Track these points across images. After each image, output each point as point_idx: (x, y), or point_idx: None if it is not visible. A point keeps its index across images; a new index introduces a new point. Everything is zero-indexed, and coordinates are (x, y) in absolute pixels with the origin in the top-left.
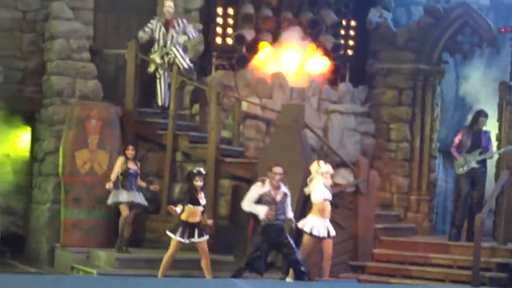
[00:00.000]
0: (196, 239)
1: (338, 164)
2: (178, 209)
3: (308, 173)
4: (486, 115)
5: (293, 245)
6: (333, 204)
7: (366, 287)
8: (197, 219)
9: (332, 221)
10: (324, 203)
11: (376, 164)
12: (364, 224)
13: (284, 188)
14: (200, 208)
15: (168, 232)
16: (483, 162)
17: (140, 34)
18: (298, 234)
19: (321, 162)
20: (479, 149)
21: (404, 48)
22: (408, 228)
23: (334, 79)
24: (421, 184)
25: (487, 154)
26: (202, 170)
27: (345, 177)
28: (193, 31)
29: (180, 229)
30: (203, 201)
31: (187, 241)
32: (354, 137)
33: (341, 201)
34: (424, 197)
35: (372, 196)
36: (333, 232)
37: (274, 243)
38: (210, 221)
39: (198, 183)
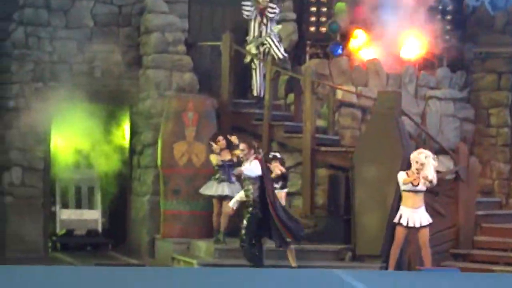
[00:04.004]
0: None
1: (437, 151)
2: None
3: (407, 161)
4: None
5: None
6: (433, 191)
7: (468, 275)
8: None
9: (433, 208)
10: (410, 194)
11: (476, 150)
12: (464, 211)
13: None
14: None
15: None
16: None
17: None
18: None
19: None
20: None
21: (502, 31)
22: (510, 214)
23: (431, 64)
24: None
25: None
26: (277, 154)
27: (445, 164)
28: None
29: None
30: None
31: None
32: (453, 123)
33: (441, 188)
34: None
35: (472, 183)
36: (425, 222)
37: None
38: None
39: (277, 170)
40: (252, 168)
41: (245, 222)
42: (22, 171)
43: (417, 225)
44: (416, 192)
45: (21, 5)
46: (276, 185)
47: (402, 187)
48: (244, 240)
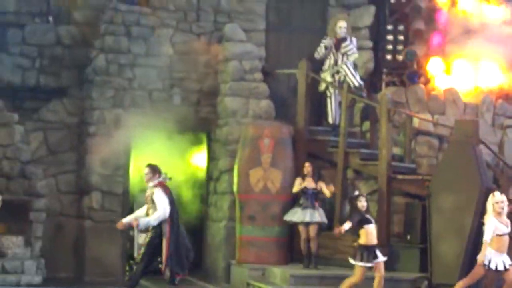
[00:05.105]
0: (373, 262)
1: None
2: (347, 225)
3: (484, 191)
4: None
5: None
6: None
7: None
8: (374, 240)
9: None
10: (499, 239)
11: None
12: None
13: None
14: (373, 226)
15: (350, 260)
16: None
17: (317, 52)
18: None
19: (496, 192)
20: None
21: None
22: None
23: (508, 93)
24: None
25: None
26: (362, 192)
27: None
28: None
29: (361, 254)
30: (372, 219)
31: (371, 264)
32: None
33: None
34: None
35: None
36: (508, 264)
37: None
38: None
39: (363, 203)
40: (157, 201)
41: (144, 248)
42: (101, 196)
43: (503, 268)
44: (508, 235)
45: (102, 32)
46: (372, 220)
47: (497, 232)
48: (139, 263)
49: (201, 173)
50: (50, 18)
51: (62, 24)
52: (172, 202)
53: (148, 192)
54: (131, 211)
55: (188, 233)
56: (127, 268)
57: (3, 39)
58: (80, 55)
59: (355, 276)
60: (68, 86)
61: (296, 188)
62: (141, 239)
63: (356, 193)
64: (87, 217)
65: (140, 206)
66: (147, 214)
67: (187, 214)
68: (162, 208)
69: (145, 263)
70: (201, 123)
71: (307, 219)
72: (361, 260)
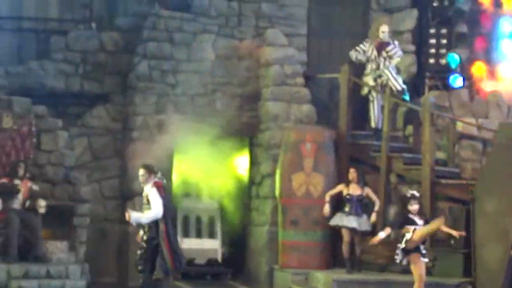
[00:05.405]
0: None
1: None
2: (383, 233)
3: None
4: None
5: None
6: None
7: None
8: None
9: None
10: None
11: None
12: None
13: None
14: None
15: (383, 234)
16: None
17: (352, 52)
18: None
19: None
20: None
21: None
22: None
23: None
24: None
25: None
26: (416, 193)
27: None
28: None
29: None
30: (421, 221)
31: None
32: None
33: None
34: None
35: None
36: None
37: None
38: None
39: (413, 206)
40: (152, 201)
41: (143, 251)
42: None
43: None
44: None
45: (145, 38)
46: (419, 222)
47: None
48: (143, 270)
49: (244, 178)
50: (93, 25)
51: (105, 31)
52: (168, 203)
53: (145, 192)
54: (174, 216)
55: (232, 238)
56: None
57: (47, 46)
58: (122, 61)
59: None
60: (111, 92)
61: (332, 192)
62: (185, 244)
63: (409, 194)
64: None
65: (183, 211)
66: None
67: (230, 218)
68: (155, 209)
69: (150, 268)
70: (243, 128)
71: (353, 225)
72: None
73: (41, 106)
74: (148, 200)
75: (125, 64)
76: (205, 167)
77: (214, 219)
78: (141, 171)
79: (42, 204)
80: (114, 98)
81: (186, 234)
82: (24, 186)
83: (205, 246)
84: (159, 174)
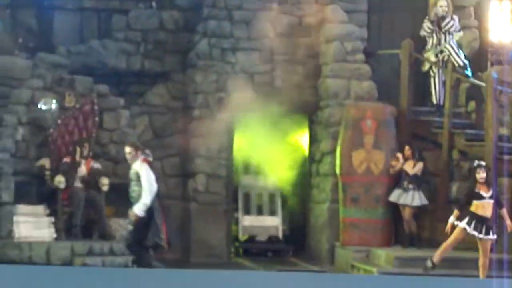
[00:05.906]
0: (482, 235)
1: None
2: (452, 218)
3: None
4: None
5: None
6: None
7: None
8: (487, 212)
9: None
10: None
11: None
12: None
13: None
14: (486, 202)
15: (452, 219)
16: None
17: (423, 29)
18: None
19: None
20: None
21: None
22: None
23: None
24: None
25: None
26: (482, 162)
27: None
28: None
29: (467, 218)
30: (488, 194)
31: (472, 231)
32: None
33: None
34: None
35: None
36: None
37: None
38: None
39: (481, 175)
40: (145, 177)
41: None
42: (206, 178)
43: None
44: None
45: (204, 17)
46: (486, 195)
47: None
48: (131, 243)
49: (303, 155)
50: (154, 3)
51: (165, 9)
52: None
53: (133, 169)
54: (235, 193)
55: (292, 215)
56: (232, 250)
57: (108, 25)
58: (183, 40)
59: (451, 238)
60: (172, 71)
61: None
62: (246, 221)
63: (475, 163)
64: (192, 200)
65: (244, 189)
66: (133, 191)
67: (290, 195)
68: (150, 185)
69: (139, 237)
70: (302, 105)
71: (407, 201)
72: (463, 222)
73: (103, 85)
74: (138, 177)
75: (185, 43)
76: (265, 145)
77: (274, 197)
78: (128, 149)
79: (105, 182)
80: (174, 76)
81: (247, 212)
82: (87, 164)
83: (266, 223)
84: (147, 151)
